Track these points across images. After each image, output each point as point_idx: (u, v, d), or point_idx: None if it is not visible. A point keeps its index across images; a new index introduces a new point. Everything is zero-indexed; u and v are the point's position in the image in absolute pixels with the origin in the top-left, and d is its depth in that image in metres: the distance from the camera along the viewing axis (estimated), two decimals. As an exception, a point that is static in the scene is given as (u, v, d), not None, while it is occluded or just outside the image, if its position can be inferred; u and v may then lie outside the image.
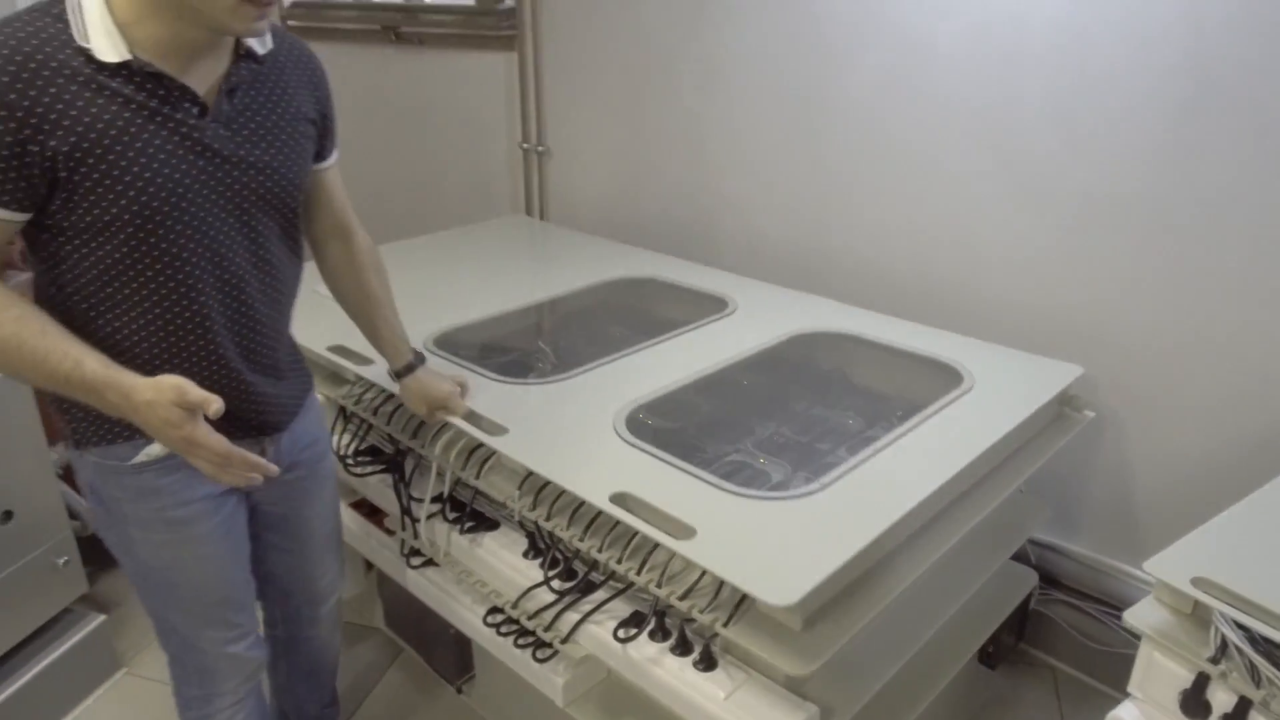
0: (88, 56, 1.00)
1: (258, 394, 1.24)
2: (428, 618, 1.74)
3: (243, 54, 1.12)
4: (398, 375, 1.45)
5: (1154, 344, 1.68)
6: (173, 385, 1.02)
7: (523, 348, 1.89)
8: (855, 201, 1.98)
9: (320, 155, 1.30)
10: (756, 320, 1.83)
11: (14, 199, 1.01)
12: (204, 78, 1.08)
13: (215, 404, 1.02)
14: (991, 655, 1.79)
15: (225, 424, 1.08)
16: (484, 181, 2.65)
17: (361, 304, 1.42)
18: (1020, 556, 1.83)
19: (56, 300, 1.10)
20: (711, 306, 1.91)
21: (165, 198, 1.06)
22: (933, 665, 1.51)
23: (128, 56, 1.01)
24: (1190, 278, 1.61)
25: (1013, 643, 1.86)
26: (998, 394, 1.54)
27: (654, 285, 2.08)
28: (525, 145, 2.52)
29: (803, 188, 2.05)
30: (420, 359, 1.47)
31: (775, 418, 1.66)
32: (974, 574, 1.52)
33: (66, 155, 1.00)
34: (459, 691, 1.82)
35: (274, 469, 1.15)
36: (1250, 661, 0.89)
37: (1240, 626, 0.91)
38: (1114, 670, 1.80)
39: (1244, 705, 0.91)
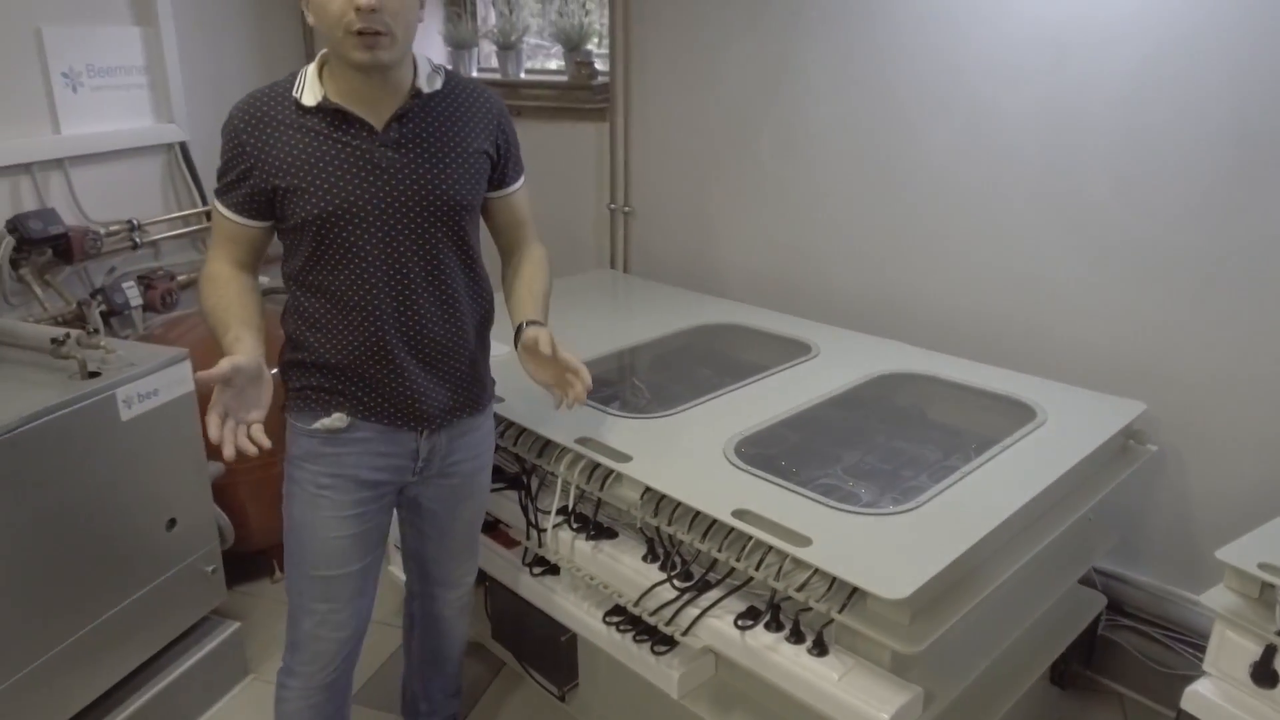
0: (298, 104, 1.35)
1: (415, 386, 1.45)
2: (536, 628, 1.90)
3: (414, 93, 1.38)
4: (525, 325, 1.50)
5: (1210, 383, 1.83)
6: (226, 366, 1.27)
7: (625, 385, 2.08)
8: (929, 253, 2.18)
9: (501, 183, 1.52)
10: (838, 363, 2.00)
11: (250, 210, 1.39)
12: (382, 113, 1.36)
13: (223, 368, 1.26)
14: (1063, 676, 1.91)
15: (383, 405, 1.43)
16: (574, 238, 2.89)
17: (511, 281, 1.59)
18: (1087, 584, 1.95)
19: (290, 278, 1.43)
20: (794, 350, 2.09)
21: (339, 204, 1.34)
22: (1009, 679, 1.65)
23: (320, 100, 1.34)
24: (1241, 323, 1.77)
25: (1081, 668, 1.97)
26: (1068, 428, 1.69)
27: (737, 331, 2.27)
28: (613, 206, 2.75)
29: (879, 242, 2.25)
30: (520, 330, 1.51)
31: (860, 448, 1.83)
32: (1047, 592, 1.66)
33: (276, 177, 1.34)
34: (562, 699, 1.97)
35: (250, 450, 1.29)
36: (1313, 634, 1.04)
37: (1303, 604, 1.06)
38: (1179, 696, 1.90)
39: (1310, 672, 1.05)
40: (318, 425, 1.44)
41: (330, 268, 1.38)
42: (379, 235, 1.37)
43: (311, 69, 1.37)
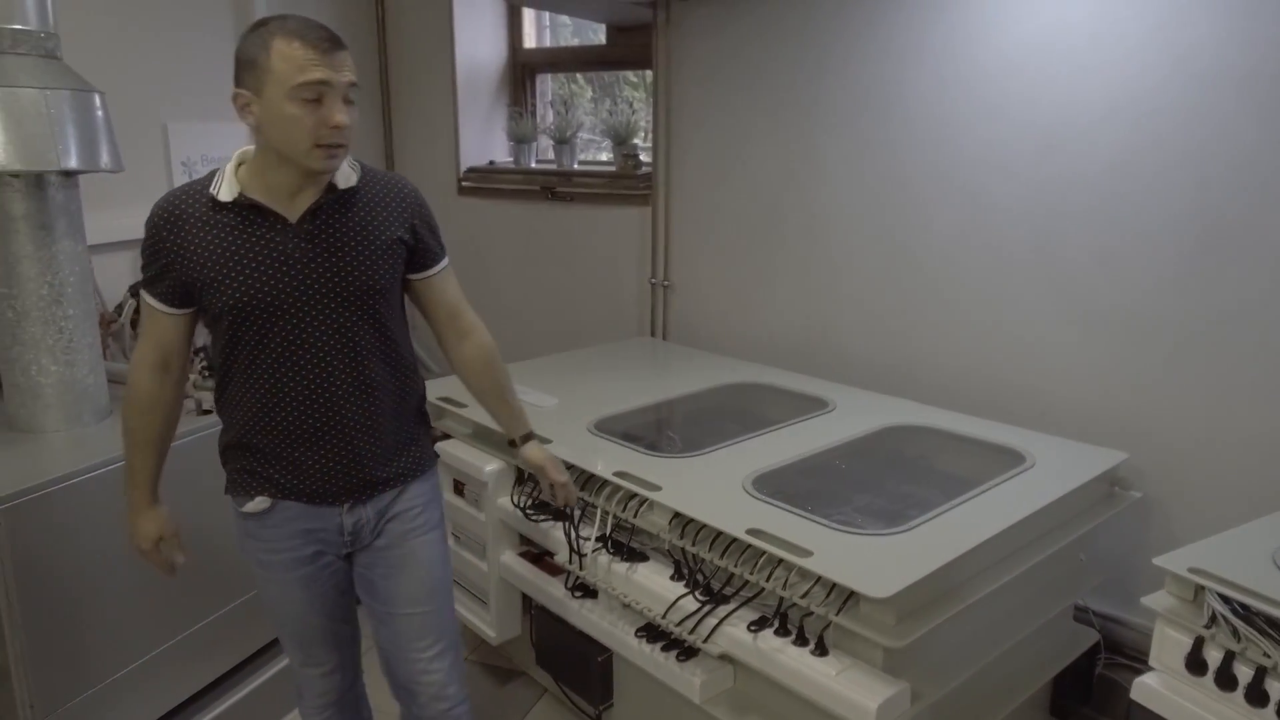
0: (213, 201, 1.42)
1: (332, 466, 1.52)
2: (576, 651, 2.11)
3: (328, 189, 1.46)
4: (521, 441, 1.76)
5: (1188, 436, 2.01)
6: (146, 536, 1.61)
7: (658, 433, 2.32)
8: (934, 321, 2.41)
9: (420, 266, 1.59)
10: (852, 416, 2.23)
11: (175, 300, 1.48)
12: (299, 207, 1.44)
13: (176, 560, 1.65)
14: (1063, 710, 2.05)
15: (303, 483, 1.53)
16: (619, 309, 3.18)
17: (488, 390, 1.72)
18: (1085, 623, 2.11)
19: (214, 363, 1.54)
20: (813, 405, 2.33)
21: (252, 295, 1.42)
22: (1002, 695, 1.82)
23: (235, 196, 1.42)
24: (1214, 381, 1.97)
25: (1080, 705, 2.11)
26: (1052, 471, 1.89)
27: (762, 389, 2.51)
28: (653, 280, 3.05)
29: (890, 312, 2.50)
30: (532, 435, 1.78)
31: (870, 491, 2.03)
32: (1034, 615, 1.83)
33: (193, 270, 1.43)
34: (597, 718, 2.16)
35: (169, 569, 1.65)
36: (1231, 624, 1.22)
37: (1224, 599, 1.24)
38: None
39: (1229, 658, 1.23)
40: (245, 509, 1.56)
41: (248, 354, 1.46)
42: (292, 323, 1.44)
43: (229, 167, 1.44)
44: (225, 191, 1.43)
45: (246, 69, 1.37)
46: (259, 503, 1.54)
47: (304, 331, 1.46)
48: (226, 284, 1.42)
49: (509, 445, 1.82)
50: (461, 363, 1.70)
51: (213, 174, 1.45)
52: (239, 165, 1.45)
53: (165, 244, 1.43)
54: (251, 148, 1.46)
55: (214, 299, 1.43)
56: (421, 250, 1.58)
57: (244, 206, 1.42)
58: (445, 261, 1.64)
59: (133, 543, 1.62)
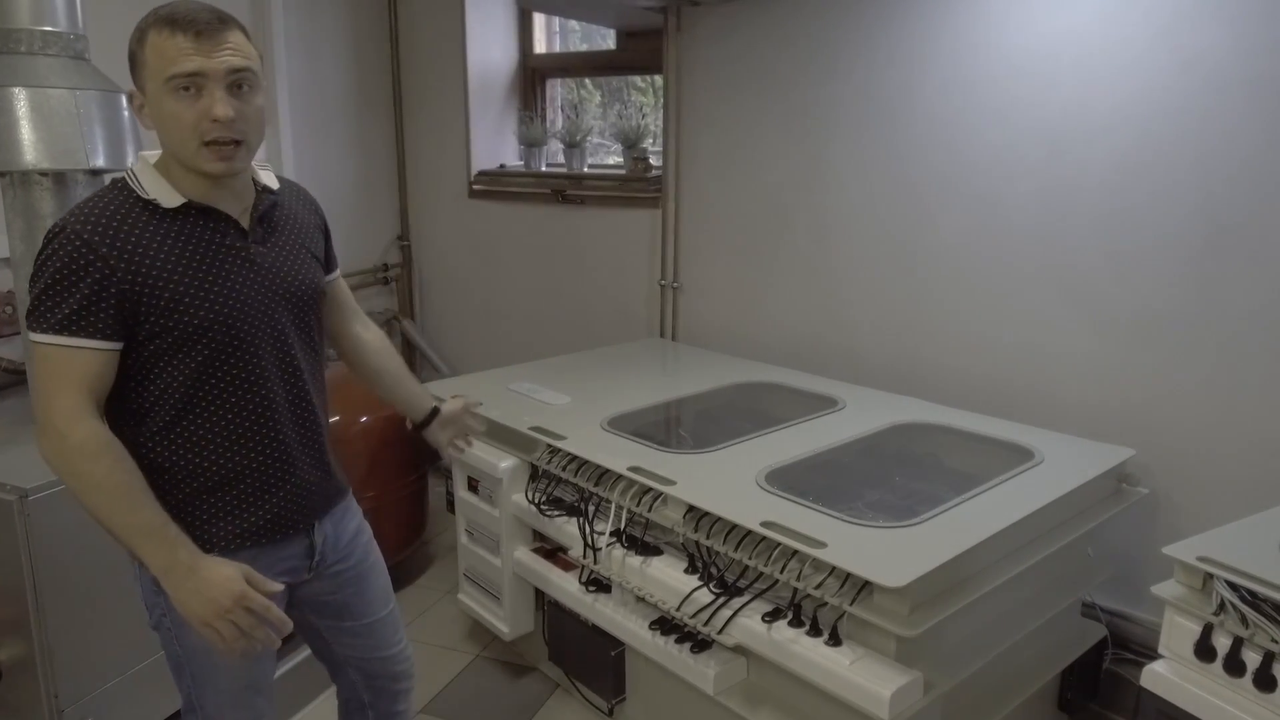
0: (153, 207, 1.25)
1: (308, 482, 1.42)
2: (589, 646, 2.13)
3: (260, 189, 1.37)
4: (423, 425, 1.69)
5: (1195, 435, 2.04)
6: (229, 585, 1.20)
7: (670, 430, 2.35)
8: (943, 321, 2.44)
9: (328, 269, 1.53)
10: (862, 414, 2.26)
11: (116, 330, 1.21)
12: (237, 211, 1.33)
13: (275, 586, 1.25)
14: (1070, 704, 2.07)
15: (277, 511, 1.35)
16: (629, 310, 3.21)
17: (396, 370, 1.65)
18: (1092, 618, 2.13)
19: (133, 416, 1.28)
20: (823, 404, 2.35)
21: (234, 306, 1.29)
22: (1011, 686, 1.85)
23: (183, 200, 1.26)
24: (1220, 380, 2.00)
25: (1088, 700, 2.13)
26: (1061, 468, 1.91)
27: (772, 388, 2.54)
28: (663, 282, 3.08)
29: (899, 312, 2.53)
30: (436, 411, 1.69)
31: (879, 487, 2.06)
32: (1043, 609, 1.85)
33: (149, 287, 1.22)
34: (609, 714, 2.18)
35: (287, 624, 1.27)
36: (1240, 611, 1.25)
37: (1232, 587, 1.27)
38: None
39: (1237, 643, 1.25)
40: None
41: (222, 379, 1.30)
42: (269, 332, 1.34)
43: (147, 172, 1.28)
44: (164, 196, 1.26)
45: (131, 65, 1.26)
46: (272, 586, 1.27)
47: (282, 341, 1.37)
48: (201, 299, 1.26)
49: (414, 430, 1.71)
50: (369, 348, 1.64)
51: (115, 185, 1.27)
52: (160, 167, 1.30)
53: (99, 263, 1.19)
54: (158, 151, 1.31)
55: (184, 319, 1.25)
56: (327, 254, 1.54)
57: (197, 212, 1.28)
58: (339, 269, 1.60)
59: (212, 612, 1.21)
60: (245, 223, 1.34)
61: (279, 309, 1.36)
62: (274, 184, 1.41)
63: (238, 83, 1.24)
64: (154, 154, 1.31)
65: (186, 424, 1.30)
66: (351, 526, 1.54)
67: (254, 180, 1.38)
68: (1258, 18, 1.86)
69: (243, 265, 1.32)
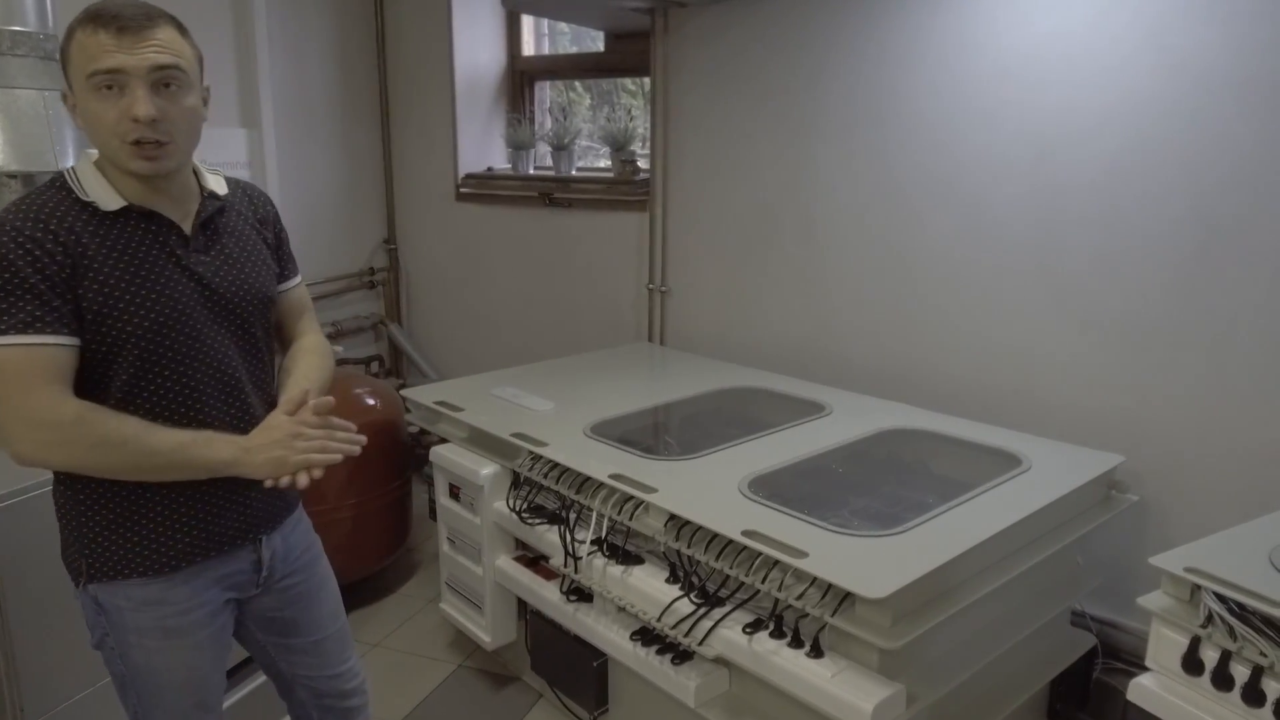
0: (94, 211, 1.22)
1: (252, 496, 1.37)
2: (571, 656, 2.10)
3: (206, 194, 1.33)
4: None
5: (1187, 441, 2.01)
6: (276, 431, 1.27)
7: (654, 436, 2.32)
8: (931, 325, 2.41)
9: (284, 276, 1.49)
10: (849, 420, 2.22)
11: (73, 325, 1.19)
12: (180, 216, 1.29)
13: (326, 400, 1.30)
14: (1059, 714, 2.04)
15: (221, 528, 1.32)
16: (616, 314, 3.18)
17: (288, 365, 1.49)
18: (1083, 627, 2.10)
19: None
20: (809, 409, 2.32)
21: (169, 313, 1.25)
22: (999, 698, 1.81)
23: (124, 203, 1.23)
24: (1210, 385, 1.97)
25: (1078, 710, 2.09)
26: (1049, 474, 1.88)
27: (758, 393, 2.50)
28: (651, 286, 3.05)
29: (887, 317, 2.50)
30: None
31: (866, 495, 2.03)
32: (1031, 619, 1.82)
33: (93, 288, 1.19)
34: (593, 725, 2.15)
35: (358, 436, 1.30)
36: (1228, 623, 1.21)
37: (1220, 599, 1.24)
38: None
39: (1226, 657, 1.22)
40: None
41: (156, 388, 1.26)
42: (204, 342, 1.30)
43: (89, 171, 1.24)
44: (107, 199, 1.22)
45: (62, 64, 1.22)
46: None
47: (219, 352, 1.32)
48: (136, 305, 1.22)
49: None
50: (296, 351, 1.53)
51: (54, 184, 1.24)
52: (98, 169, 1.26)
53: (45, 258, 1.16)
54: (95, 151, 1.27)
55: (118, 324, 1.21)
56: (284, 257, 1.49)
57: (139, 215, 1.24)
58: (300, 278, 1.55)
59: (284, 462, 1.26)
60: (188, 228, 1.30)
61: (217, 320, 1.32)
62: (221, 189, 1.37)
63: (164, 81, 1.19)
64: (96, 153, 1.27)
65: None
66: (301, 541, 1.51)
67: (201, 185, 1.34)
68: (1247, 18, 1.83)
69: (180, 274, 1.28)
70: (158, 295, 1.25)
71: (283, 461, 1.26)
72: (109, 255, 1.22)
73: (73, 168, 1.26)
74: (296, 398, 1.32)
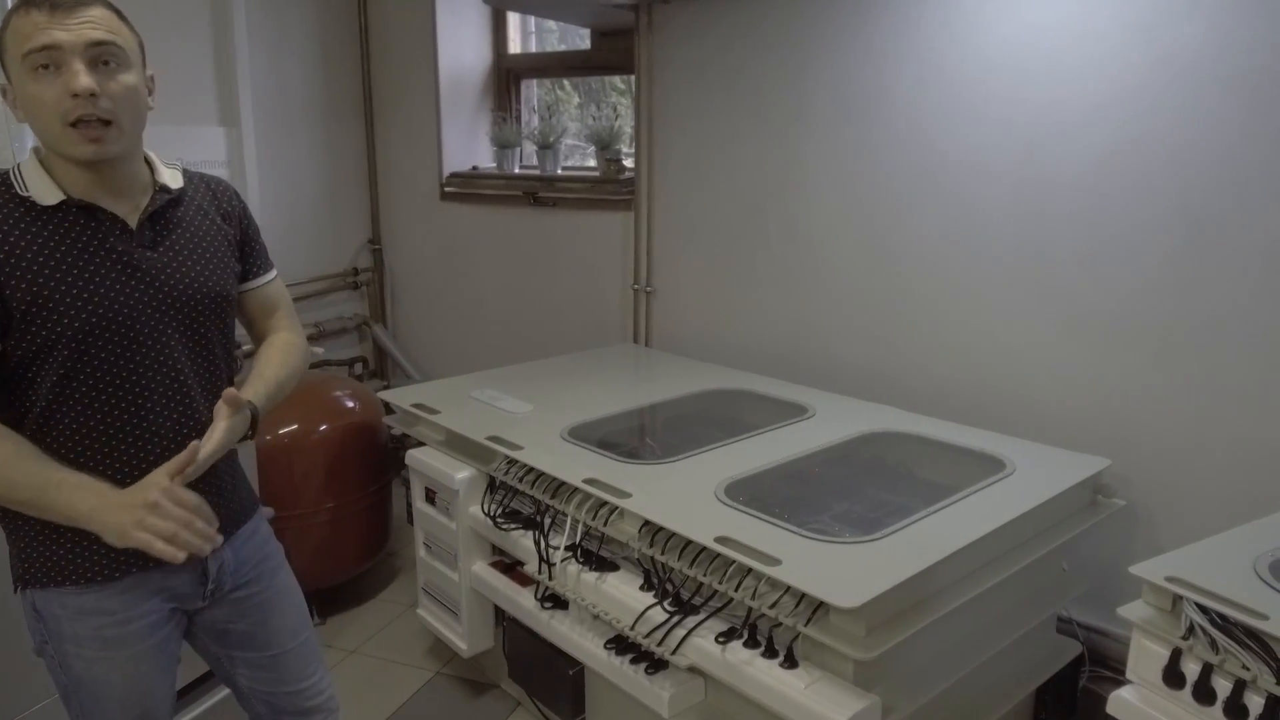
0: (29, 205, 1.18)
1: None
2: (548, 664, 2.05)
3: (159, 188, 1.29)
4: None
5: (1175, 444, 1.97)
6: (144, 495, 1.15)
7: (635, 439, 2.28)
8: (917, 326, 2.37)
9: (249, 275, 1.43)
10: (832, 422, 2.18)
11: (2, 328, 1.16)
12: (127, 210, 1.25)
13: (190, 496, 1.18)
14: (1046, 723, 1.99)
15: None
16: (601, 315, 3.14)
17: (255, 361, 1.44)
18: (1069, 635, 2.05)
19: (20, 420, 1.22)
20: (793, 412, 2.28)
21: (103, 314, 1.20)
22: (983, 704, 1.77)
23: (62, 197, 1.19)
24: (1197, 386, 1.92)
25: (1063, 718, 2.05)
26: (1032, 478, 1.84)
27: (742, 395, 2.46)
28: (636, 286, 3.00)
29: (873, 317, 2.45)
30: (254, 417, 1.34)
31: (849, 499, 1.98)
32: (1013, 627, 1.77)
33: (20, 287, 1.15)
34: (570, 734, 2.10)
35: (215, 537, 1.20)
36: (1210, 635, 1.17)
37: (1202, 610, 1.19)
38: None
39: (1207, 670, 1.18)
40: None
41: (91, 393, 1.22)
42: (145, 342, 1.24)
43: (30, 165, 1.21)
44: (44, 193, 1.19)
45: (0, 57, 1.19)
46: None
47: (162, 352, 1.26)
48: (69, 303, 1.18)
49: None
50: (272, 341, 1.48)
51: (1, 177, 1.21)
52: (43, 163, 1.23)
53: None
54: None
55: (48, 323, 1.17)
56: (250, 258, 1.44)
57: (75, 209, 1.20)
58: (275, 273, 1.50)
59: (130, 522, 1.15)
60: (134, 222, 1.26)
61: (163, 319, 1.27)
62: (175, 182, 1.33)
63: (101, 58, 1.16)
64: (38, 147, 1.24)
65: (50, 441, 1.22)
66: (257, 551, 1.45)
67: (154, 178, 1.30)
68: (1233, 11, 1.79)
69: (122, 270, 1.23)
70: (90, 293, 1.20)
71: (124, 532, 1.15)
72: (39, 252, 1.18)
73: (18, 164, 1.23)
74: (185, 458, 1.20)
